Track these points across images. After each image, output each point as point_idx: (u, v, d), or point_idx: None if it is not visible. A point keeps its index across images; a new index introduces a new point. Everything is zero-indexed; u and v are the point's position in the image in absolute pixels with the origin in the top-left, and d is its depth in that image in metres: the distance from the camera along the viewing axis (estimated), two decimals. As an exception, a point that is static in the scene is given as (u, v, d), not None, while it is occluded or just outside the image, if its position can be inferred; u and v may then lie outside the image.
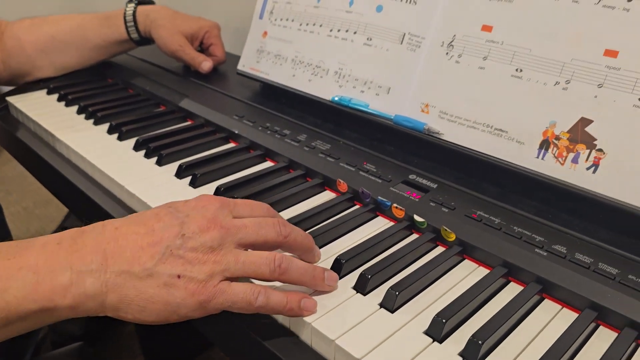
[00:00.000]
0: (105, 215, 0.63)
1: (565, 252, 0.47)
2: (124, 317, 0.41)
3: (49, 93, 0.89)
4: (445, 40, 0.63)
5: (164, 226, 0.42)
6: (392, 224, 0.55)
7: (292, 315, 0.42)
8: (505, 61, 0.58)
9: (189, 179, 0.63)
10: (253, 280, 0.44)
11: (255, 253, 0.42)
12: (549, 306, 0.45)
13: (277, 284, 0.45)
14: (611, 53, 0.52)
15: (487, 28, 0.60)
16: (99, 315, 0.41)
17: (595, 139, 0.52)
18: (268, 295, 0.41)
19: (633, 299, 0.42)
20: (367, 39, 0.69)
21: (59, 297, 0.39)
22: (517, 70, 0.57)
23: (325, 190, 0.61)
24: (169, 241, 0.41)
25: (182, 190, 0.61)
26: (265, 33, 0.83)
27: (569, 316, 0.44)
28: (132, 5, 0.90)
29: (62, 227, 1.52)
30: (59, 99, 0.87)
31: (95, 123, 0.78)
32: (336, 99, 0.70)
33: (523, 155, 0.56)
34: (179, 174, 0.64)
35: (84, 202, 0.67)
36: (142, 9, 0.90)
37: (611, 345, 0.40)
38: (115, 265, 0.40)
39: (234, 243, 0.42)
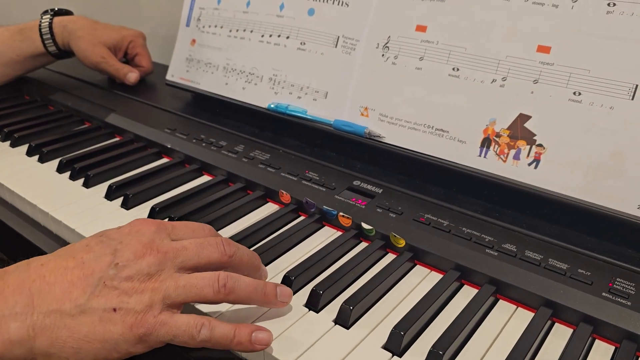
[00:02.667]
0: (29, 247, 0.58)
1: (515, 250, 0.47)
2: None
3: (-43, 114, 0.82)
4: (380, 42, 0.62)
5: (94, 256, 0.39)
6: (339, 233, 0.53)
7: (241, 350, 0.39)
8: (441, 61, 0.58)
9: (120, 200, 0.58)
10: (201, 308, 0.41)
11: (196, 275, 0.39)
12: (504, 307, 0.44)
13: (227, 309, 0.42)
14: (544, 49, 0.53)
15: (421, 28, 0.59)
16: None
17: (535, 134, 0.52)
18: (213, 327, 0.38)
19: (585, 294, 0.42)
20: (301, 43, 0.67)
21: None
22: (454, 69, 0.57)
23: (267, 202, 0.59)
24: (101, 272, 0.38)
25: (113, 212, 0.57)
26: (194, 41, 0.79)
27: (525, 315, 0.43)
28: (47, 16, 0.84)
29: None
30: (-31, 121, 0.80)
31: (13, 145, 0.72)
32: (272, 106, 0.67)
33: (465, 154, 0.55)
34: (109, 195, 0.59)
35: (3, 234, 0.61)
36: (58, 20, 0.84)
37: (568, 341, 0.40)
38: (43, 305, 0.36)
39: (174, 267, 0.39)
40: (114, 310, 0.37)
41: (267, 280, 0.46)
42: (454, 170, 0.55)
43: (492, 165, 0.54)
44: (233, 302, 0.40)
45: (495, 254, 0.46)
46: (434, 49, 0.58)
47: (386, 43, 0.61)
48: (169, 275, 0.39)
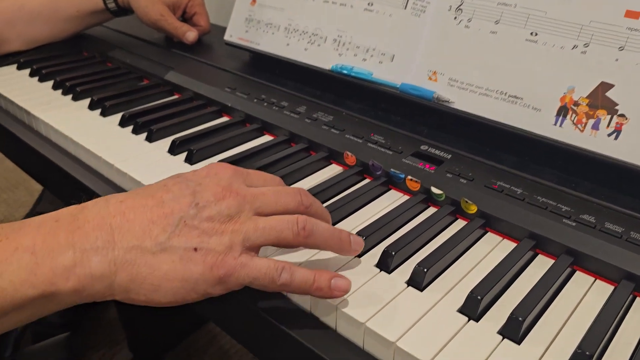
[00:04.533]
0: (92, 196, 0.58)
1: (594, 221, 0.45)
2: (135, 299, 0.37)
3: (19, 68, 0.83)
4: (453, 4, 0.59)
5: (174, 196, 0.38)
6: (406, 197, 0.52)
7: (320, 295, 0.38)
8: (519, 25, 0.55)
9: (184, 155, 0.58)
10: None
11: (275, 217, 0.39)
12: (582, 278, 0.43)
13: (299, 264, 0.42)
14: (633, 14, 0.50)
15: (498, -11, 0.57)
16: (100, 300, 0.37)
17: (617, 104, 0.50)
18: (293, 271, 0.37)
19: (672, 268, 0.40)
20: (368, 4, 0.65)
21: (61, 279, 0.35)
22: (531, 34, 0.54)
23: (331, 163, 0.58)
24: (181, 212, 0.37)
25: (178, 167, 0.57)
26: (254, 1, 0.78)
27: (604, 288, 0.42)
28: (108, -28, 0.84)
29: (34, 212, 1.45)
30: (32, 74, 0.81)
31: (75, 99, 0.73)
32: (337, 68, 0.66)
33: (540, 122, 0.53)
34: (173, 150, 0.59)
35: (68, 184, 0.62)
36: (119, -24, 0.83)
37: (653, 317, 0.38)
38: (123, 241, 0.36)
39: (252, 211, 0.39)
40: (195, 249, 0.37)
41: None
42: (527, 139, 0.53)
43: (568, 134, 0.52)
44: (310, 246, 0.40)
45: (573, 224, 0.45)
46: (511, 12, 0.56)
47: (459, 5, 0.59)
48: (248, 218, 0.38)
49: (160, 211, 0.37)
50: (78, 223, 0.37)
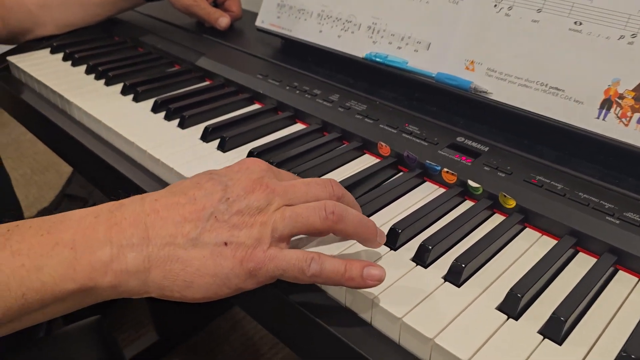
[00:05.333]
0: (123, 181, 0.58)
1: (639, 219, 0.43)
2: (169, 295, 0.37)
3: (52, 52, 0.83)
4: (493, -9, 0.58)
5: (205, 193, 0.38)
6: (442, 190, 0.51)
7: (353, 285, 0.37)
8: (562, 13, 0.53)
9: (216, 142, 0.58)
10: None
11: (301, 205, 0.38)
12: (626, 278, 0.42)
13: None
14: (685, 3, 0.48)
15: (542, -23, 0.55)
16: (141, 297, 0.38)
17: (665, 98, 0.48)
18: (323, 261, 0.37)
19: None
20: (405, -10, 0.64)
21: (99, 274, 0.35)
22: (575, 23, 0.53)
23: (364, 154, 0.57)
24: (212, 207, 0.37)
25: (210, 154, 0.57)
26: (287, -14, 0.77)
27: (649, 289, 0.40)
28: (140, -42, 0.84)
29: (63, 194, 1.47)
30: (65, 58, 0.81)
31: (107, 83, 0.73)
32: (371, 56, 0.65)
33: (582, 115, 0.52)
34: (205, 137, 0.59)
35: (100, 169, 0.62)
36: (151, -39, 0.83)
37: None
38: (157, 238, 0.37)
39: (282, 203, 0.38)
40: (225, 244, 0.37)
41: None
42: (568, 132, 0.51)
43: (612, 128, 0.50)
44: (339, 233, 0.39)
45: (617, 222, 0.43)
46: (555, 1, 0.54)
47: (500, -8, 0.57)
48: (277, 210, 0.38)
49: (192, 208, 0.37)
50: (115, 219, 0.37)
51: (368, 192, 0.50)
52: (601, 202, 0.45)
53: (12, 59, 0.81)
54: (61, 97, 0.70)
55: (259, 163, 0.41)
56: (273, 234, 0.37)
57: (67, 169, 1.78)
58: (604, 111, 0.51)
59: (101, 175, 0.64)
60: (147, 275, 0.37)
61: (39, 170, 1.89)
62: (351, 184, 0.51)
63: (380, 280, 0.37)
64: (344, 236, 0.40)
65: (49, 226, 0.37)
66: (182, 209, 0.38)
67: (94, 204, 0.38)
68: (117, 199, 0.40)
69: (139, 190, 0.56)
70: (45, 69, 0.78)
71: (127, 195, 0.40)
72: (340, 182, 0.51)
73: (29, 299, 0.35)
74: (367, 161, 0.56)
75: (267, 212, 0.38)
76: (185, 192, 0.39)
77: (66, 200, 1.45)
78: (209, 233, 0.37)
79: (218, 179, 0.39)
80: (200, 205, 0.38)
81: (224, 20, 0.83)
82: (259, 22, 0.80)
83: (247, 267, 0.37)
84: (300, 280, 0.38)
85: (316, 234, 0.40)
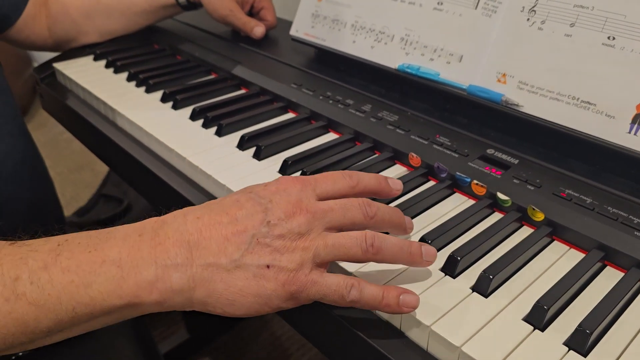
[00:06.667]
0: (161, 186, 0.61)
1: (668, 235, 0.44)
2: (212, 311, 0.39)
3: (95, 59, 0.87)
4: (526, 5, 0.58)
5: (246, 214, 0.40)
6: (472, 201, 0.52)
7: (389, 311, 0.39)
8: (596, 28, 0.54)
9: (252, 150, 0.60)
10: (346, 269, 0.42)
11: (344, 234, 0.40)
12: (653, 294, 0.42)
13: (361, 269, 0.43)
14: None
15: (575, -8, 0.56)
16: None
17: (698, 114, 0.48)
18: (362, 288, 0.39)
19: None
20: (438, 3, 0.65)
21: (144, 292, 0.37)
22: (609, 38, 0.53)
23: (395, 164, 0.59)
24: (254, 229, 0.39)
25: (246, 162, 0.59)
26: (321, -3, 0.79)
27: (677, 305, 0.41)
28: (179, -31, 0.87)
29: (99, 194, 1.52)
30: (107, 66, 0.85)
31: (147, 91, 0.76)
32: (403, 67, 0.66)
33: (613, 130, 0.52)
34: (242, 145, 0.61)
35: (139, 173, 0.65)
36: (189, -28, 0.86)
37: None
38: (200, 258, 0.38)
39: (322, 227, 0.40)
40: (267, 267, 0.38)
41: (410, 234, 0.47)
42: (599, 146, 0.52)
43: (643, 143, 0.50)
44: (379, 262, 0.41)
45: (646, 237, 0.44)
46: (588, 15, 0.55)
47: (533, 7, 0.58)
48: (318, 235, 0.39)
49: (234, 228, 0.39)
50: (159, 239, 0.39)
51: (399, 202, 0.51)
52: (630, 217, 0.46)
53: (57, 65, 0.85)
54: (104, 103, 0.73)
55: (295, 183, 0.42)
56: (314, 260, 0.39)
57: (101, 168, 1.83)
58: (635, 126, 0.51)
59: (139, 178, 0.66)
60: (192, 293, 0.38)
61: (75, 169, 1.95)
62: (382, 194, 0.52)
63: (414, 308, 0.39)
64: (385, 263, 0.42)
65: (95, 243, 0.39)
66: (224, 229, 0.39)
67: (129, 204, 0.40)
68: (159, 214, 0.41)
69: (176, 194, 0.59)
70: (89, 75, 0.81)
71: (169, 211, 0.42)
72: (372, 191, 0.52)
73: (79, 312, 0.37)
74: (398, 171, 0.57)
75: (308, 237, 0.39)
76: (226, 211, 0.40)
77: (102, 200, 1.50)
78: (251, 255, 0.38)
79: (257, 200, 0.40)
80: (242, 227, 0.39)
81: (259, 30, 0.85)
82: (293, 32, 0.82)
83: (289, 290, 0.38)
84: (339, 304, 0.40)
85: (355, 262, 0.42)
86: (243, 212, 0.40)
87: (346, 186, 0.44)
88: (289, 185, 0.42)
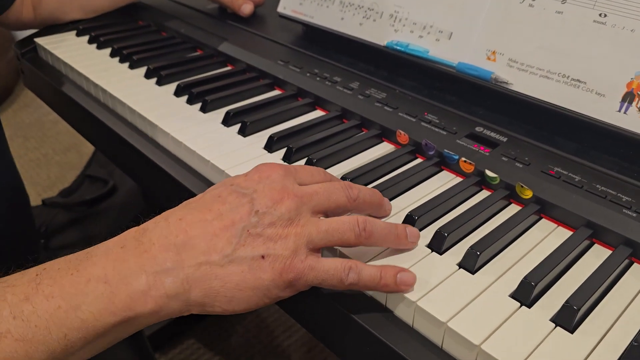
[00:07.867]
0: (145, 163, 0.60)
1: (656, 213, 0.43)
2: (210, 311, 0.38)
3: (78, 35, 0.85)
4: (517, -19, 0.57)
5: (231, 207, 0.38)
6: (459, 179, 0.52)
7: (387, 291, 0.39)
8: (587, 5, 0.53)
9: (237, 126, 0.59)
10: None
11: (336, 219, 0.39)
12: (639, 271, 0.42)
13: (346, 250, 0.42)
14: None
15: (567, -33, 0.55)
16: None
17: (688, 92, 0.48)
18: (360, 270, 0.38)
19: None
20: (428, -21, 0.64)
21: (139, 303, 0.36)
22: (600, 15, 0.52)
23: (383, 141, 0.58)
24: (243, 222, 0.38)
25: (231, 138, 0.58)
26: (310, -27, 0.77)
27: (663, 282, 0.41)
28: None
29: (84, 175, 1.50)
30: (90, 41, 0.83)
31: (131, 67, 0.74)
32: (392, 44, 0.65)
33: (603, 108, 0.52)
34: (227, 121, 0.60)
35: (122, 150, 0.64)
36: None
37: None
38: (191, 259, 0.37)
39: (309, 211, 0.39)
40: (262, 257, 0.37)
41: (389, 215, 0.46)
42: (588, 125, 0.52)
43: (633, 122, 0.50)
44: (369, 245, 0.40)
45: (634, 215, 0.43)
46: (580, -8, 0.54)
47: (524, -17, 0.57)
48: (308, 220, 0.39)
49: (221, 224, 0.38)
50: (144, 247, 0.37)
51: (385, 179, 0.51)
52: (618, 194, 0.46)
53: (39, 40, 0.82)
54: (87, 79, 0.71)
55: (276, 169, 0.41)
56: (308, 245, 0.38)
57: (88, 150, 1.81)
58: (625, 104, 0.51)
59: (123, 156, 0.65)
60: (188, 296, 0.37)
61: (60, 150, 1.92)
62: (369, 171, 0.51)
63: (412, 285, 0.38)
64: (373, 246, 0.41)
65: (75, 264, 0.36)
66: (209, 225, 0.38)
67: (114, 185, 0.38)
68: (137, 224, 0.39)
69: (160, 171, 0.57)
70: (72, 51, 0.79)
71: (147, 219, 0.40)
72: (358, 169, 0.52)
73: (71, 339, 0.35)
74: (385, 149, 0.56)
75: (299, 222, 0.38)
76: (209, 208, 0.39)
77: (87, 181, 1.48)
78: (243, 248, 0.37)
79: (241, 192, 0.39)
80: (228, 221, 0.38)
81: (247, 7, 0.83)
82: (281, 9, 0.80)
83: (287, 278, 0.37)
84: (338, 288, 0.39)
85: (347, 247, 0.41)
86: (227, 206, 0.38)
87: (323, 177, 0.44)
88: (271, 172, 0.41)
